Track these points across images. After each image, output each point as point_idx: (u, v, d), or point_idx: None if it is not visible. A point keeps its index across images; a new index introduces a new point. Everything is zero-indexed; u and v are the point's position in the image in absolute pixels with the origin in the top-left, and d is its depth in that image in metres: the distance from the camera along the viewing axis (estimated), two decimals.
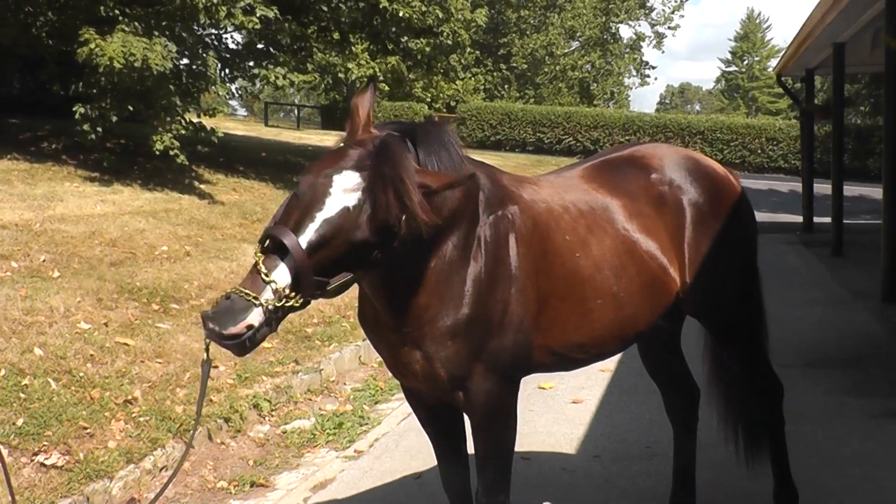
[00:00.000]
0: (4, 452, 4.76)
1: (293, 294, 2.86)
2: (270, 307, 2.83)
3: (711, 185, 4.23)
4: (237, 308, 2.81)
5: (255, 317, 2.82)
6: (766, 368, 4.54)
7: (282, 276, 2.83)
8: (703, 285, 4.13)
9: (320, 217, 2.87)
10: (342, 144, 3.10)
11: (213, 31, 16.57)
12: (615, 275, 3.80)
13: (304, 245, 2.84)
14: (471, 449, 3.80)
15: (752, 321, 4.50)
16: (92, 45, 12.20)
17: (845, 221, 16.09)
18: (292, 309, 2.91)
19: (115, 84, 12.72)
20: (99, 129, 13.23)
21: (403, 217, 2.93)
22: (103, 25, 12.81)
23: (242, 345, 2.83)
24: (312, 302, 2.97)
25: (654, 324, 4.09)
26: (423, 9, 18.98)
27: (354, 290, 3.41)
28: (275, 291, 2.82)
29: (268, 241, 2.93)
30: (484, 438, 3.59)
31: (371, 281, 3.29)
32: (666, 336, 4.64)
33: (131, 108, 13.34)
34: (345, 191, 2.89)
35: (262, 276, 2.83)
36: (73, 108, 13.12)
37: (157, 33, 13.07)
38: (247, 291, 2.83)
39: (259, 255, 2.91)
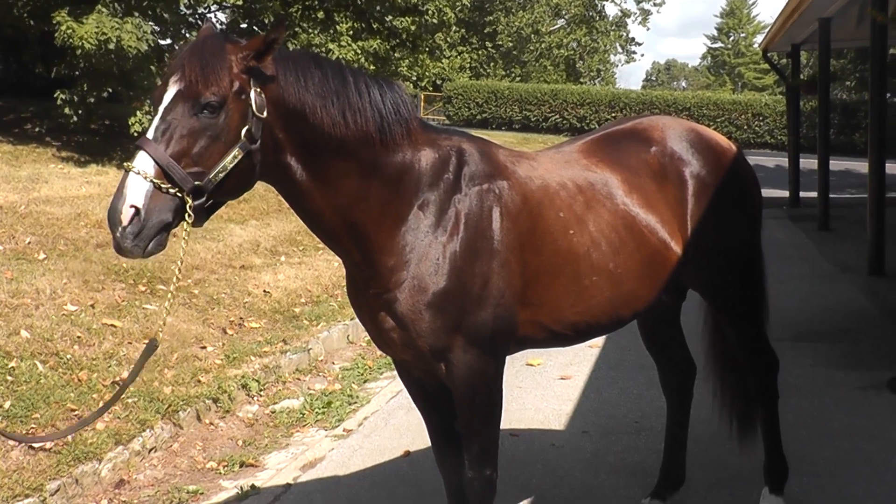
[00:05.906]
0: None
1: (167, 184, 2.90)
2: (145, 178, 2.87)
3: (714, 157, 4.20)
4: (115, 198, 2.89)
5: (136, 195, 2.87)
6: (763, 342, 4.54)
7: (141, 162, 2.91)
8: (705, 258, 4.12)
9: (161, 108, 3.01)
10: None
11: (196, 10, 16.42)
12: (613, 251, 3.78)
13: (150, 135, 2.96)
14: None
15: (754, 295, 4.48)
16: (64, 27, 12.09)
17: (831, 196, 16.18)
18: (182, 202, 2.93)
19: (92, 66, 12.61)
20: (80, 111, 13.13)
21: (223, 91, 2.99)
22: (83, 6, 12.68)
23: (140, 236, 2.86)
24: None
25: (655, 300, 4.05)
26: None
27: (343, 269, 3.39)
28: (138, 174, 2.88)
29: None
30: (468, 412, 3.58)
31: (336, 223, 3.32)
32: (667, 311, 4.63)
33: (110, 90, 13.24)
34: (173, 83, 3.03)
35: (125, 167, 2.93)
36: (55, 95, 13.02)
37: (136, 14, 12.94)
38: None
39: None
